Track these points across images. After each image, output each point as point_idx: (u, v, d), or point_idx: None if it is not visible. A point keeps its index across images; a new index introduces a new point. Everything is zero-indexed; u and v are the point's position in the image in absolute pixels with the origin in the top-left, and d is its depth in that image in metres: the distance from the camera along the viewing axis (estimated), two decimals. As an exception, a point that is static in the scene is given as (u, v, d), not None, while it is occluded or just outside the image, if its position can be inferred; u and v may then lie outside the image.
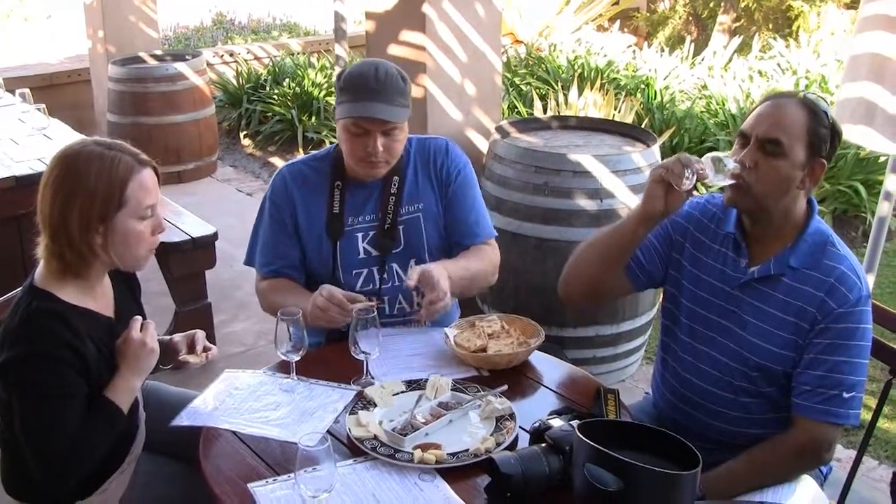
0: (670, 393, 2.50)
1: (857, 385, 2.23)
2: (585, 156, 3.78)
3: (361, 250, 2.74)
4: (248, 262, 2.87)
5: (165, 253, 4.14)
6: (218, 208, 6.21)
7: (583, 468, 1.66)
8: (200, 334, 2.42)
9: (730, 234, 2.36)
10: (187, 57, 7.08)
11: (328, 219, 2.74)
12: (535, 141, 4.12)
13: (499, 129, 4.16)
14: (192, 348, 2.40)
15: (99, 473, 2.21)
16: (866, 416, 2.67)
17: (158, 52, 7.30)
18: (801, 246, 2.27)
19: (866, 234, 5.93)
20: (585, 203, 3.76)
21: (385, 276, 2.73)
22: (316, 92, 7.74)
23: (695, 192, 2.26)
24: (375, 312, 2.31)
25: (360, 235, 2.74)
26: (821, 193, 5.91)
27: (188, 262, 4.18)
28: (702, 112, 6.80)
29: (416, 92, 4.15)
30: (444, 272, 2.52)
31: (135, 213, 2.14)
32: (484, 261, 2.80)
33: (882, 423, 3.09)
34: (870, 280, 3.37)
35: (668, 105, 6.82)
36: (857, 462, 2.56)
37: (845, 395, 2.21)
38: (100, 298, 2.24)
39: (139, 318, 2.23)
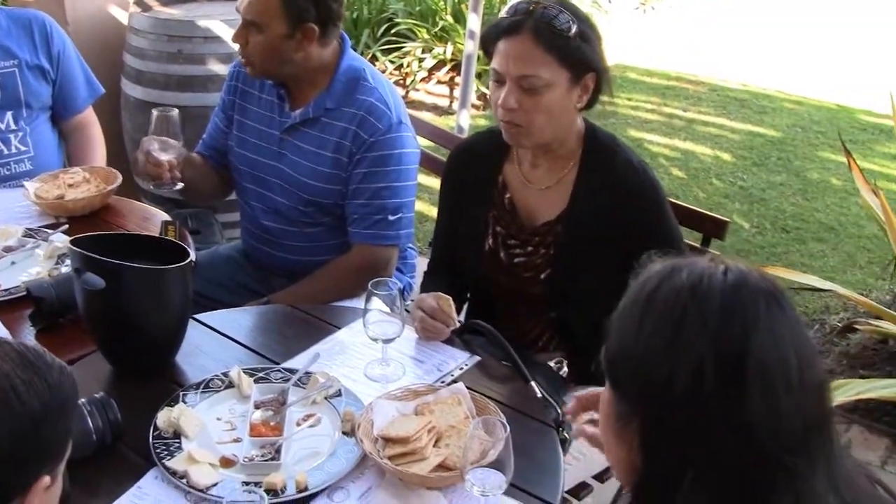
0: (249, 235, 2.71)
1: (401, 207, 2.46)
2: (215, 21, 3.88)
3: None
4: None
5: None
6: None
7: (80, 278, 1.83)
8: None
9: (272, 83, 2.53)
10: None
11: None
12: (175, 13, 4.17)
13: (138, 2, 4.17)
14: None
15: None
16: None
17: None
18: (335, 87, 2.46)
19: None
20: (219, 68, 3.87)
21: None
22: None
23: None
24: None
25: None
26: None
27: None
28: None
29: (51, -31, 4.09)
30: None
31: None
32: None
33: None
34: (464, 116, 3.66)
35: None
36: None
37: (390, 217, 2.44)
38: None
39: None
